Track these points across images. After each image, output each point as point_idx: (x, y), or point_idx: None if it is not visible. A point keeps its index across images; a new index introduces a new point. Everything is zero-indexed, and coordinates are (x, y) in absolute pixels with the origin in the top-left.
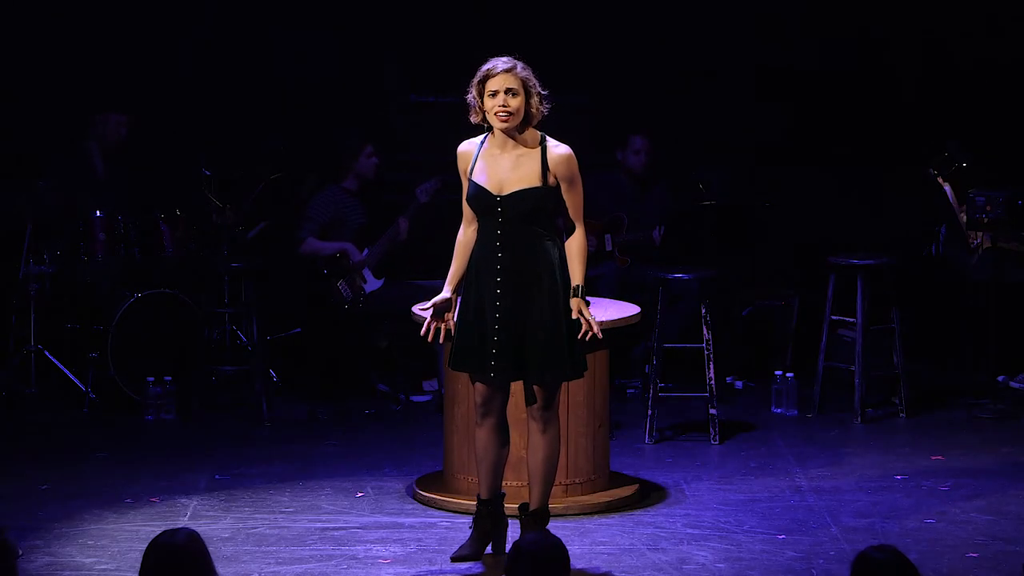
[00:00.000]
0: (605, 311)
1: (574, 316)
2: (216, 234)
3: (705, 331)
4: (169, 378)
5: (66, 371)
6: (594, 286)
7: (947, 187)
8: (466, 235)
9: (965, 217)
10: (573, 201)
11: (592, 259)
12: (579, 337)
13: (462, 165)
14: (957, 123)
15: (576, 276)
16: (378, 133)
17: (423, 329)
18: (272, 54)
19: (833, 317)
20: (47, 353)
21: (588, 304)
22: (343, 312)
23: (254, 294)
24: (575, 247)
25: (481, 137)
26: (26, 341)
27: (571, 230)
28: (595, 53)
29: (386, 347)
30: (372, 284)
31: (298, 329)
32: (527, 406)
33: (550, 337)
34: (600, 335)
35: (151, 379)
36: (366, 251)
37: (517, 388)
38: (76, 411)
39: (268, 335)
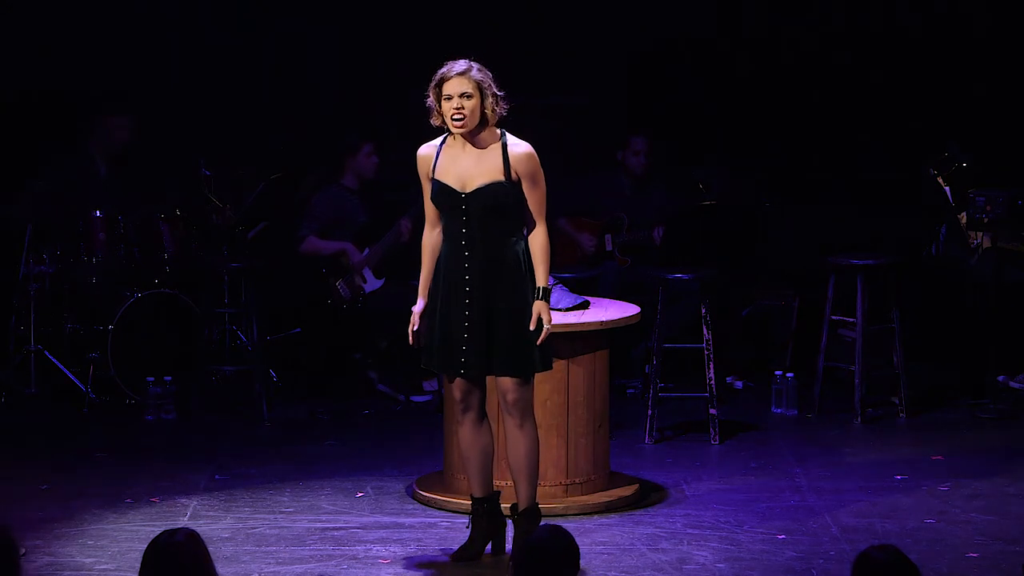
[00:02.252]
0: (605, 311)
1: (534, 319)
2: (216, 234)
3: (705, 331)
4: (169, 378)
5: (66, 371)
6: (594, 286)
7: (947, 188)
8: (432, 237)
9: (965, 217)
10: (535, 198)
11: (592, 259)
12: (537, 341)
13: (423, 168)
14: (957, 123)
15: (539, 277)
16: (378, 132)
17: (410, 337)
18: (272, 53)
19: (833, 317)
20: (47, 353)
21: (588, 305)
22: (343, 312)
23: (254, 294)
24: (538, 246)
25: (440, 139)
26: (26, 341)
27: (533, 227)
28: (595, 53)
29: (386, 347)
30: (372, 284)
31: (298, 329)
32: (501, 401)
33: (518, 331)
34: (537, 343)
35: (151, 379)
36: (367, 251)
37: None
38: (76, 411)
39: (268, 335)
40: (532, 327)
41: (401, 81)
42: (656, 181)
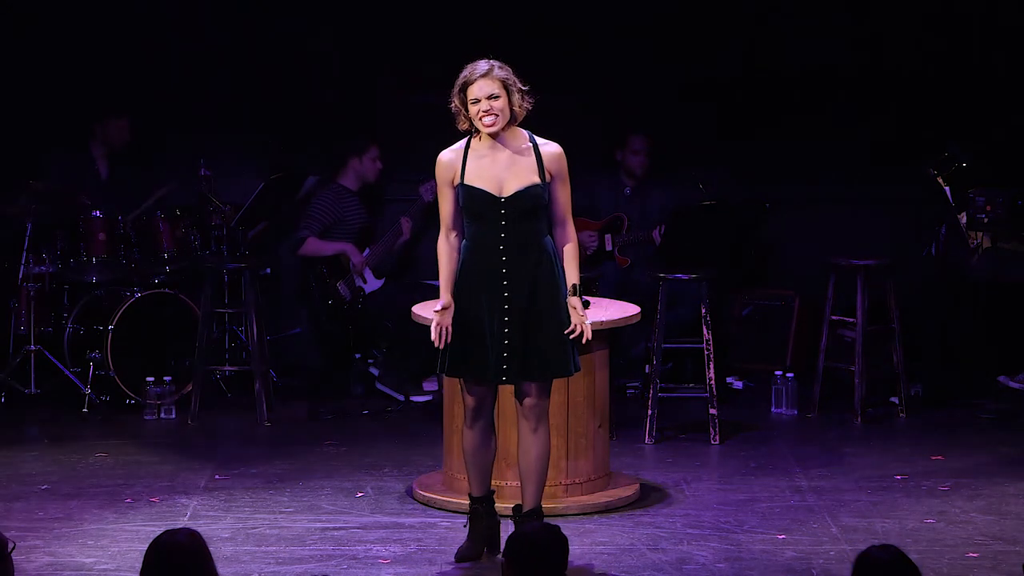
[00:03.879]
0: (605, 311)
1: (574, 316)
2: (216, 234)
3: (705, 331)
4: (169, 378)
5: (66, 371)
6: (594, 286)
7: (947, 188)
8: (450, 242)
9: (965, 217)
10: (564, 197)
11: (592, 259)
12: (568, 335)
13: (447, 175)
14: (957, 123)
15: (572, 275)
16: (378, 132)
17: (433, 334)
18: (272, 53)
19: (833, 317)
20: (47, 353)
21: (588, 305)
22: (343, 312)
23: (254, 294)
24: (571, 245)
25: (462, 143)
26: (26, 341)
27: (562, 227)
28: (595, 53)
29: (386, 347)
30: (373, 284)
31: (298, 329)
32: (519, 404)
33: (557, 335)
34: (589, 338)
35: (151, 379)
36: (367, 251)
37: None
38: (76, 411)
39: (268, 335)
40: (573, 316)
41: (401, 81)
42: (656, 180)
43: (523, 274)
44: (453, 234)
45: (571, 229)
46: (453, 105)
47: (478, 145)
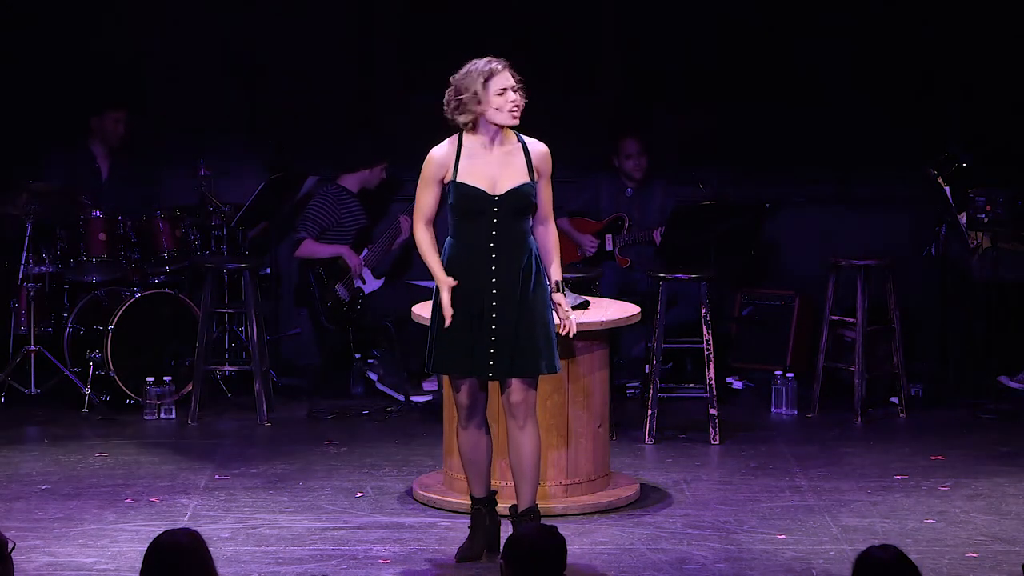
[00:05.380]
0: (605, 311)
1: (561, 312)
2: (216, 234)
3: (705, 331)
4: (169, 378)
5: (66, 371)
6: (594, 286)
7: (947, 188)
8: (430, 234)
9: (965, 217)
10: (547, 196)
11: (592, 259)
12: (562, 333)
13: (438, 172)
14: (957, 123)
15: (556, 272)
16: (378, 132)
17: (446, 311)
18: (272, 53)
19: (833, 317)
20: (47, 353)
21: (587, 305)
22: (343, 313)
23: (254, 294)
24: (552, 242)
25: (453, 140)
26: (26, 341)
27: (544, 225)
28: (594, 54)
29: (386, 348)
30: (372, 284)
31: (298, 329)
32: (505, 402)
33: (542, 333)
34: (574, 332)
35: (151, 379)
36: (365, 251)
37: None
38: (76, 411)
39: (268, 335)
40: (556, 320)
41: (402, 83)
42: (657, 181)
43: (511, 271)
44: (431, 227)
45: (553, 228)
46: (462, 98)
47: (470, 143)
